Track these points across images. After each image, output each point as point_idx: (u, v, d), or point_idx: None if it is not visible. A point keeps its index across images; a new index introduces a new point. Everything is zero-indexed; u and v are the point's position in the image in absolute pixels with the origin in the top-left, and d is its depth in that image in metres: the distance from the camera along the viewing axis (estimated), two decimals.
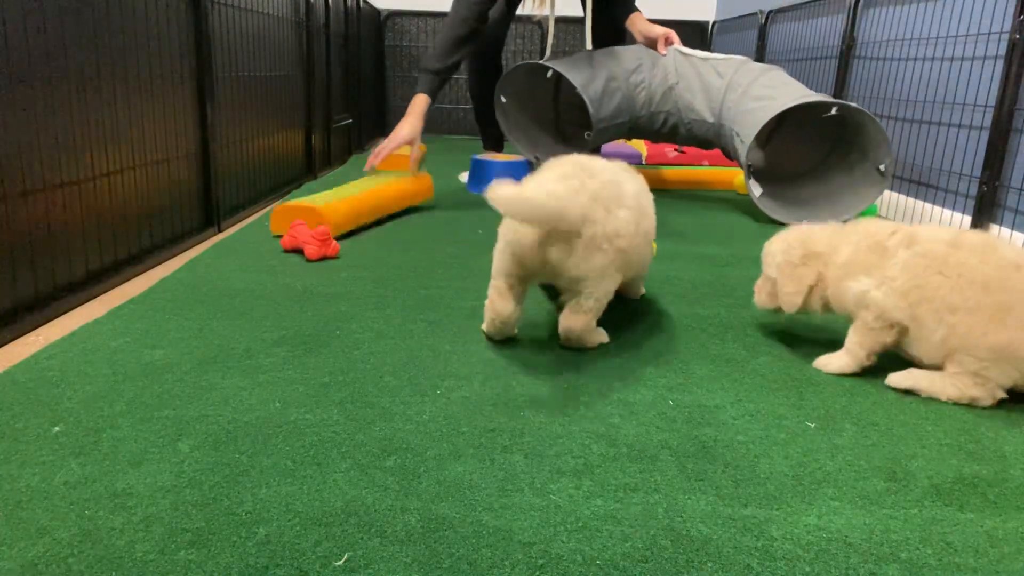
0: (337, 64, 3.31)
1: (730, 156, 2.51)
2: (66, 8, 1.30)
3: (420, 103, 2.27)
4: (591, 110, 2.45)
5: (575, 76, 2.46)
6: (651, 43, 2.65)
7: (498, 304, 1.17)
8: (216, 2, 1.91)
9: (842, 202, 2.26)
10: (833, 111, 2.16)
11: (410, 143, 2.24)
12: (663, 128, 2.61)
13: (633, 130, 2.68)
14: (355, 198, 1.95)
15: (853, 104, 2.12)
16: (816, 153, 2.48)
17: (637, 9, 2.74)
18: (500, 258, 1.17)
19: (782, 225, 2.29)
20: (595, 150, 2.77)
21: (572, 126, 2.92)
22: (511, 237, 1.13)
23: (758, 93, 2.28)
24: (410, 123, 2.23)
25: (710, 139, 2.52)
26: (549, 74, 2.60)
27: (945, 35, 2.22)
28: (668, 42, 2.61)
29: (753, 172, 2.47)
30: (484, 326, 1.23)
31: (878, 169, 2.17)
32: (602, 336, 1.22)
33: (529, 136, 2.81)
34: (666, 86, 2.53)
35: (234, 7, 2.04)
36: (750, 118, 2.23)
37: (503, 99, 2.70)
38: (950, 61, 2.19)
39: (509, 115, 2.75)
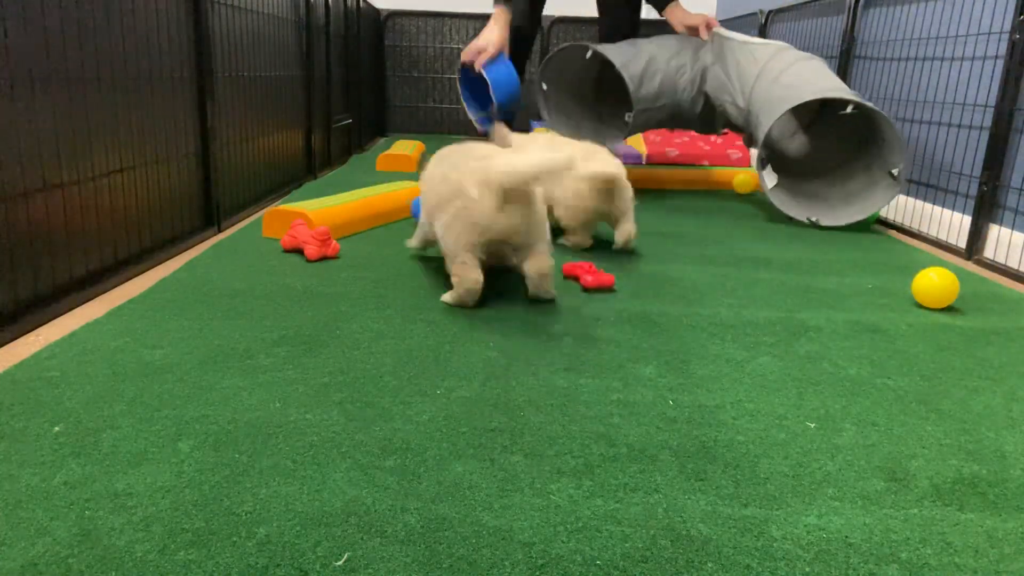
0: (337, 64, 3.31)
1: (750, 145, 2.51)
2: (66, 8, 1.30)
3: (503, 15, 2.40)
4: (630, 88, 2.42)
5: (615, 56, 2.45)
6: (692, 31, 2.64)
7: (471, 273, 1.33)
8: (216, 2, 1.91)
9: (854, 203, 2.25)
10: (849, 109, 2.13)
11: (493, 53, 2.37)
12: (703, 111, 2.61)
13: (676, 118, 2.67)
14: (349, 205, 1.94)
15: (870, 104, 2.10)
16: (839, 151, 2.47)
17: None
18: (463, 235, 1.32)
19: (790, 220, 2.29)
20: None
21: (614, 113, 2.91)
22: (474, 216, 1.30)
23: (788, 81, 2.26)
24: (499, 34, 2.35)
25: (740, 125, 2.51)
26: (588, 55, 2.57)
27: (945, 35, 2.22)
28: (709, 27, 2.60)
29: (772, 162, 2.45)
30: (452, 295, 1.38)
31: (890, 173, 2.16)
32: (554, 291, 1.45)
33: (571, 120, 2.81)
34: (703, 66, 2.53)
35: (234, 7, 2.04)
36: (773, 107, 2.22)
37: (544, 86, 2.72)
38: (950, 61, 2.19)
39: (550, 99, 2.76)
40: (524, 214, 1.31)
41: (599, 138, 2.67)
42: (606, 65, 2.76)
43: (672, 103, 2.58)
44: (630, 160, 3.37)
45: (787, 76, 2.27)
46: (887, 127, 2.14)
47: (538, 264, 1.35)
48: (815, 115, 2.60)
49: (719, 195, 2.79)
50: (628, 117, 2.51)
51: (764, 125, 2.19)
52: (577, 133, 2.70)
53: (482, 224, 1.29)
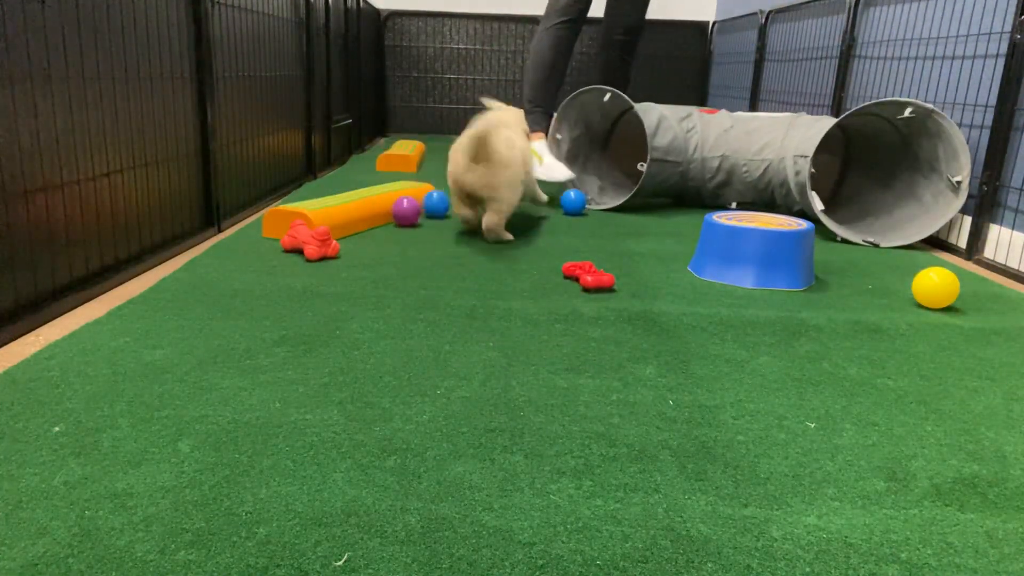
0: (337, 64, 3.31)
1: (776, 203, 2.43)
2: (66, 8, 1.30)
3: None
4: (648, 131, 2.35)
5: (634, 104, 2.45)
6: None
7: (461, 210, 1.91)
8: (216, 2, 1.91)
9: (913, 221, 2.14)
10: (907, 112, 2.03)
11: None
12: (714, 179, 2.49)
13: (681, 192, 2.58)
14: (349, 205, 1.94)
15: (929, 106, 2.02)
16: (882, 175, 2.39)
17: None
18: (453, 187, 1.87)
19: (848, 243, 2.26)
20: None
21: (615, 172, 2.84)
22: (450, 170, 1.86)
23: (822, 125, 2.21)
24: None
25: (761, 188, 2.41)
26: (606, 98, 2.51)
27: (945, 35, 2.22)
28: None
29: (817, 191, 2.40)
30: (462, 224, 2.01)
31: (952, 181, 2.02)
32: (509, 236, 1.94)
33: (583, 181, 2.71)
34: (721, 129, 2.47)
35: (234, 7, 2.04)
36: (815, 129, 2.16)
37: (559, 136, 2.64)
38: (950, 61, 2.19)
39: (561, 147, 2.68)
40: (483, 175, 1.79)
41: (600, 196, 2.62)
42: (617, 123, 2.74)
43: (684, 166, 2.48)
44: None
45: (821, 122, 2.23)
46: (951, 129, 2.01)
47: (487, 219, 1.87)
48: (846, 154, 2.53)
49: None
50: (642, 166, 2.38)
51: (812, 145, 2.12)
52: (581, 184, 2.65)
53: (456, 178, 1.83)
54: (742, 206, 2.55)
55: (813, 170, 2.25)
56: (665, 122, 2.46)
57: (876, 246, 2.07)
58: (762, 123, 2.45)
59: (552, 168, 2.59)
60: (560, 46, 2.67)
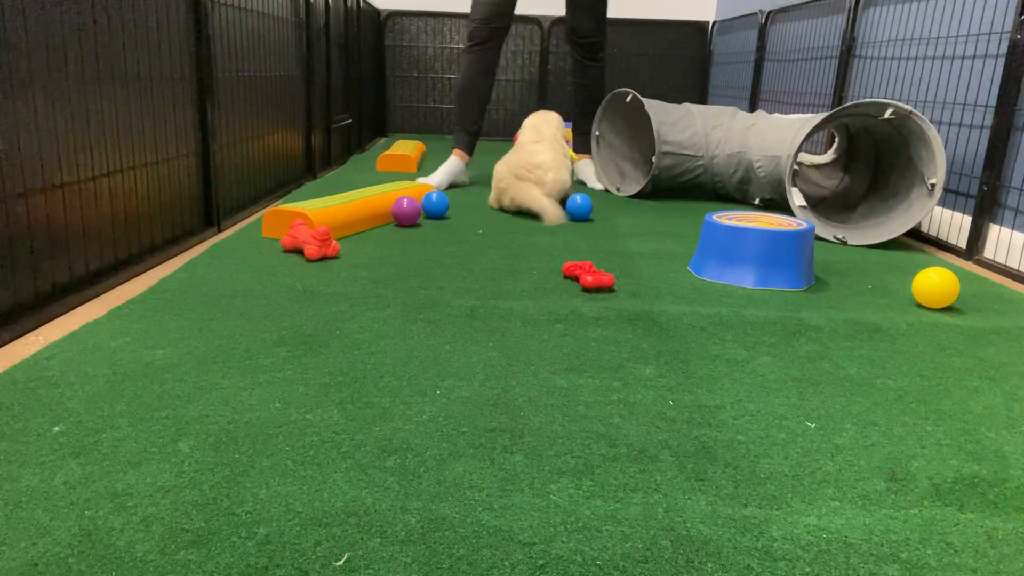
0: (337, 64, 3.31)
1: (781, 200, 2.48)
2: (66, 8, 1.30)
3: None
4: (653, 125, 2.49)
5: (650, 104, 2.56)
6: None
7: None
8: (216, 2, 1.91)
9: (888, 221, 2.13)
10: (888, 114, 2.04)
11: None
12: (735, 174, 2.55)
13: (708, 187, 2.69)
14: (349, 205, 1.94)
15: (908, 107, 2.02)
16: (871, 176, 2.41)
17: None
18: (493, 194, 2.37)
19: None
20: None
21: (646, 160, 2.99)
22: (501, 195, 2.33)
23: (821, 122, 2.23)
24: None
25: (775, 184, 2.43)
26: (628, 99, 2.70)
27: (945, 35, 2.22)
28: None
29: (814, 201, 2.44)
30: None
31: (927, 183, 2.01)
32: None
33: (618, 168, 2.95)
34: (746, 126, 2.54)
35: (234, 7, 2.04)
36: (807, 122, 2.20)
37: (597, 133, 2.87)
38: (950, 61, 2.19)
39: (602, 147, 2.91)
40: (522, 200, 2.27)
41: (625, 181, 2.86)
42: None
43: (707, 160, 2.59)
44: None
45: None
46: (929, 131, 2.00)
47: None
48: (845, 148, 2.55)
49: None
50: (654, 158, 2.55)
51: (796, 142, 2.15)
52: (622, 179, 2.88)
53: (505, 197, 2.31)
54: (766, 203, 2.59)
55: (796, 166, 2.29)
56: (688, 119, 2.59)
57: (844, 243, 2.08)
58: (782, 122, 2.47)
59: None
60: (471, 70, 2.76)
